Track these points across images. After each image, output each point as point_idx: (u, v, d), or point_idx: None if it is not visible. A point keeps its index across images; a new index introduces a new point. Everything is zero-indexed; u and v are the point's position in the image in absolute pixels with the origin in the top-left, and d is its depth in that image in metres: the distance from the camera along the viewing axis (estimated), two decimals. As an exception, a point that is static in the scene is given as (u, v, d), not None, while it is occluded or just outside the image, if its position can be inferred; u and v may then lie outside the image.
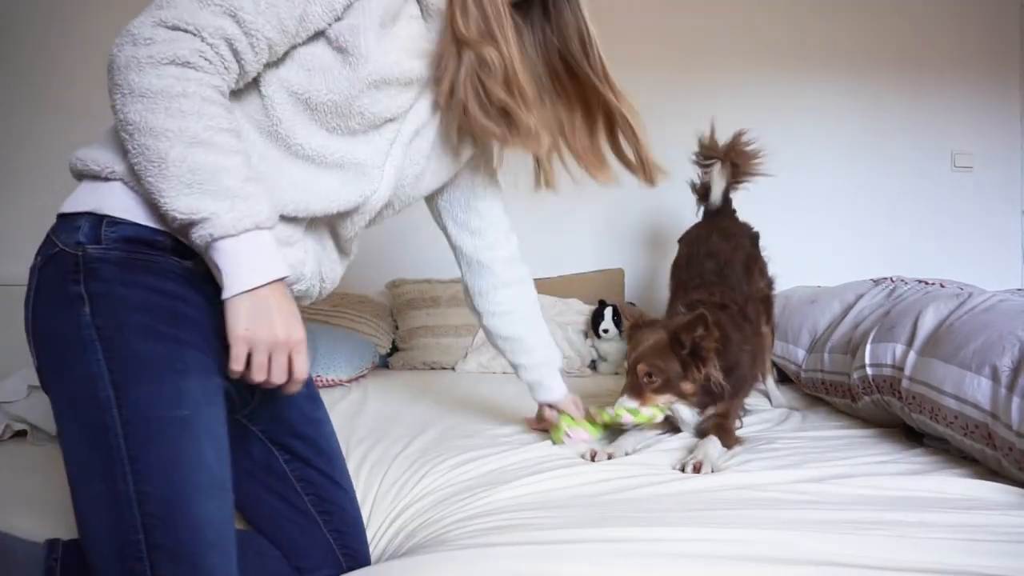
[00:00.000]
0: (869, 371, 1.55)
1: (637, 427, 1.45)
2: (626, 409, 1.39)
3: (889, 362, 1.50)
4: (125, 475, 0.75)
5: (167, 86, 0.73)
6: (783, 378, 2.11)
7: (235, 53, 0.77)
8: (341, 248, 1.00)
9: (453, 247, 1.30)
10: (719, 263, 1.82)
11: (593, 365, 2.56)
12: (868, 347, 1.57)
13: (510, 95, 0.90)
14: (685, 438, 1.48)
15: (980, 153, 3.14)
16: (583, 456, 1.34)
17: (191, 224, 0.75)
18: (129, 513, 0.75)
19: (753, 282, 1.87)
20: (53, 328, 0.81)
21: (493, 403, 1.82)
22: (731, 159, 2.06)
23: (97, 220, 0.80)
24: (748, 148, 2.07)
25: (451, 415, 1.67)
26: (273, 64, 0.83)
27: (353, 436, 1.47)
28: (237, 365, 0.78)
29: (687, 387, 1.42)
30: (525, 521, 1.02)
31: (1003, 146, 3.16)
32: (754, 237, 2.03)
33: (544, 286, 2.76)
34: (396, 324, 2.69)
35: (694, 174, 2.16)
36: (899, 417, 1.50)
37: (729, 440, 1.43)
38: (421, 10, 0.90)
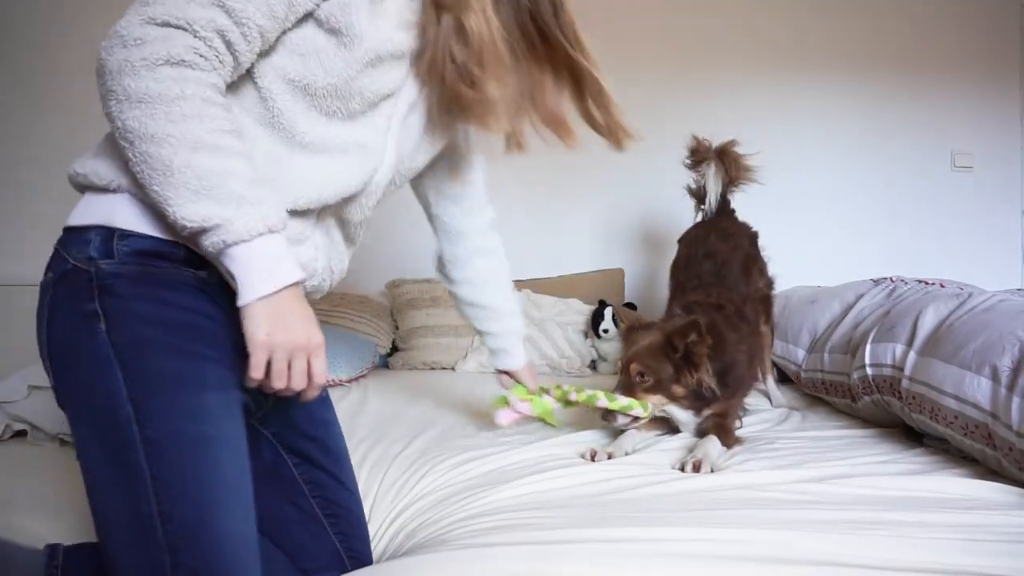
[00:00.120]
0: (869, 371, 1.55)
1: (620, 420, 1.42)
2: (604, 393, 1.39)
3: (889, 362, 1.50)
4: (148, 496, 0.75)
5: (165, 89, 0.70)
6: (783, 378, 2.11)
7: (228, 45, 0.74)
8: (348, 237, 0.99)
9: (431, 216, 1.28)
10: (717, 264, 1.82)
11: (593, 365, 2.56)
12: (868, 347, 1.57)
13: (480, 65, 0.87)
14: (685, 438, 1.48)
15: (980, 153, 3.14)
16: (583, 456, 1.34)
17: (202, 232, 0.73)
18: (153, 533, 0.74)
19: (752, 282, 1.87)
20: (69, 346, 0.79)
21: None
22: (722, 160, 2.06)
23: (108, 233, 0.79)
24: (740, 157, 2.07)
25: (451, 415, 1.67)
26: (265, 54, 0.80)
27: (353, 436, 1.47)
28: (257, 373, 0.76)
29: (678, 390, 1.42)
30: (525, 521, 1.02)
31: (1003, 146, 3.16)
32: (753, 237, 2.03)
33: (544, 286, 2.77)
34: (396, 324, 2.69)
35: (691, 178, 2.16)
36: (899, 417, 1.50)
37: (729, 440, 1.43)
38: None
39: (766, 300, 1.95)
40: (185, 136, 0.71)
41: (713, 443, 1.36)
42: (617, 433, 1.46)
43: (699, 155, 2.10)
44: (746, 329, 1.63)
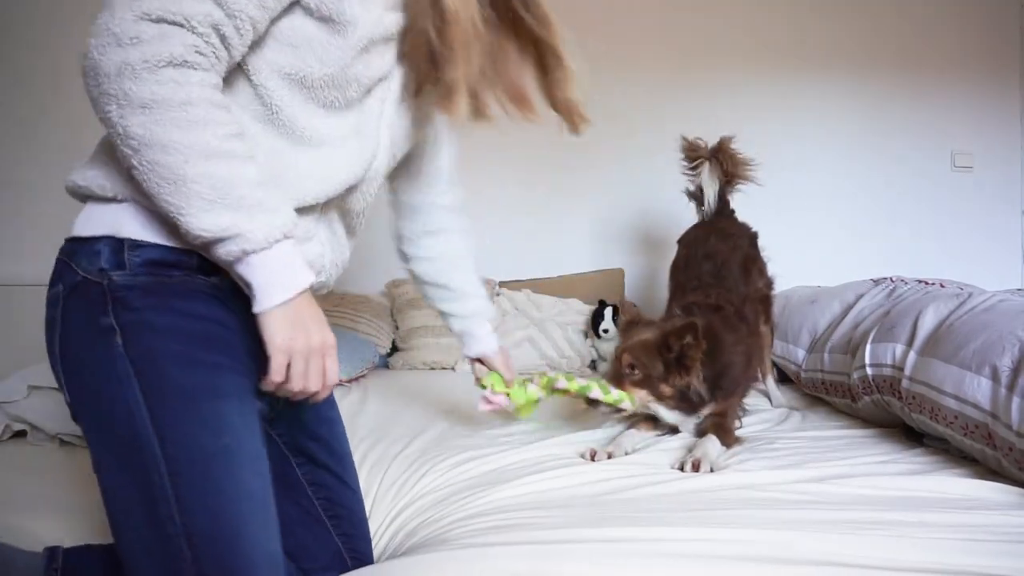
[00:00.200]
0: (869, 371, 1.55)
1: (603, 408, 1.42)
2: (598, 384, 1.38)
3: (889, 362, 1.50)
4: (171, 514, 0.74)
5: (169, 93, 0.67)
6: (783, 378, 2.11)
7: (223, 39, 0.72)
8: (350, 228, 0.98)
9: (392, 191, 1.23)
10: (717, 264, 1.82)
11: (593, 365, 2.56)
12: (868, 347, 1.57)
13: (449, 47, 0.84)
14: (685, 438, 1.48)
15: (980, 153, 3.14)
16: (583, 456, 1.34)
17: (218, 241, 0.72)
18: (178, 552, 0.74)
19: (751, 282, 1.87)
20: (84, 362, 0.78)
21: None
22: (719, 160, 2.06)
23: (118, 244, 0.77)
24: (737, 153, 2.07)
25: (451, 415, 1.67)
26: (255, 48, 0.77)
27: (353, 436, 1.46)
28: (278, 376, 0.77)
29: (665, 389, 1.42)
30: (525, 520, 1.02)
31: (1003, 146, 3.16)
32: (752, 237, 2.03)
33: (544, 286, 2.77)
34: (396, 324, 2.69)
35: (690, 181, 2.16)
36: (899, 417, 1.50)
37: (728, 439, 1.43)
38: None
39: (766, 300, 1.95)
40: (195, 143, 0.69)
41: (712, 442, 1.36)
42: (617, 431, 1.46)
43: (695, 155, 2.09)
44: (744, 330, 1.63)
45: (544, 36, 0.97)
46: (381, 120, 0.90)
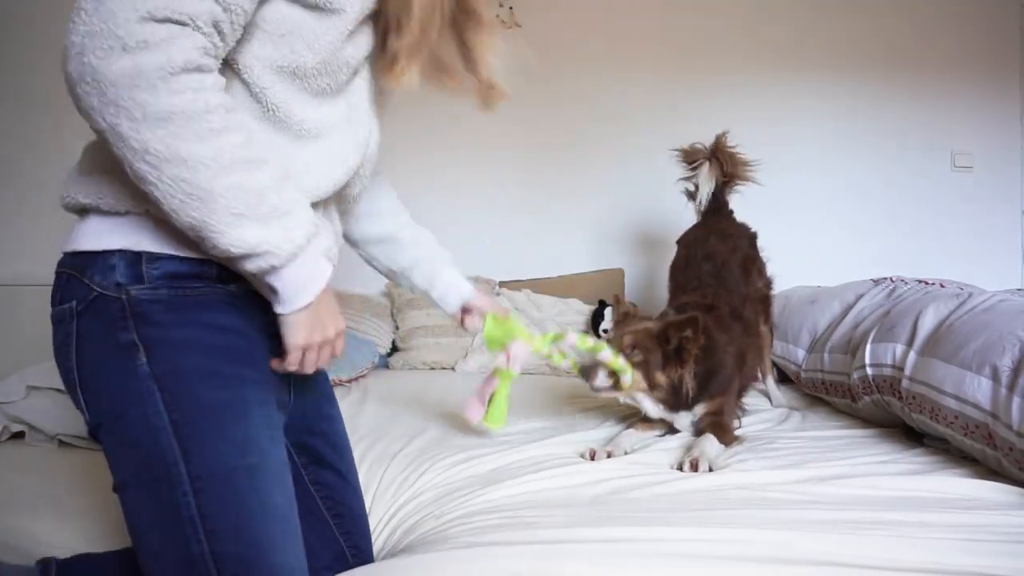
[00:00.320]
0: (869, 371, 1.55)
1: (599, 381, 1.40)
2: (611, 350, 1.37)
3: (889, 362, 1.50)
4: (198, 536, 0.73)
5: (188, 103, 0.64)
6: (783, 378, 2.11)
7: (222, 36, 0.68)
8: (344, 212, 0.96)
9: None
10: (716, 265, 1.82)
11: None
12: (868, 347, 1.57)
13: (409, 14, 0.80)
14: (684, 437, 1.48)
15: (980, 153, 3.14)
16: (582, 456, 1.34)
17: (245, 257, 0.70)
18: (204, 572, 0.73)
19: (751, 283, 1.87)
20: (105, 381, 0.75)
21: (493, 403, 1.81)
22: (718, 159, 2.06)
23: (134, 257, 0.75)
24: (736, 152, 2.07)
25: (451, 415, 1.67)
26: (244, 45, 0.74)
27: (353, 435, 1.46)
28: (292, 368, 0.80)
29: (660, 378, 1.42)
30: (525, 520, 1.02)
31: (1003, 146, 3.16)
32: (752, 237, 2.03)
33: (544, 286, 2.77)
34: (396, 324, 2.69)
35: (691, 183, 2.16)
36: (899, 417, 1.50)
37: (727, 438, 1.43)
38: None
39: (765, 300, 1.95)
40: (219, 155, 0.66)
41: (710, 442, 1.36)
42: (616, 431, 1.45)
43: (693, 157, 2.09)
44: (738, 329, 1.63)
45: (474, 6, 0.92)
46: (367, 99, 0.87)
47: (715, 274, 1.80)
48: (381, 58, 0.84)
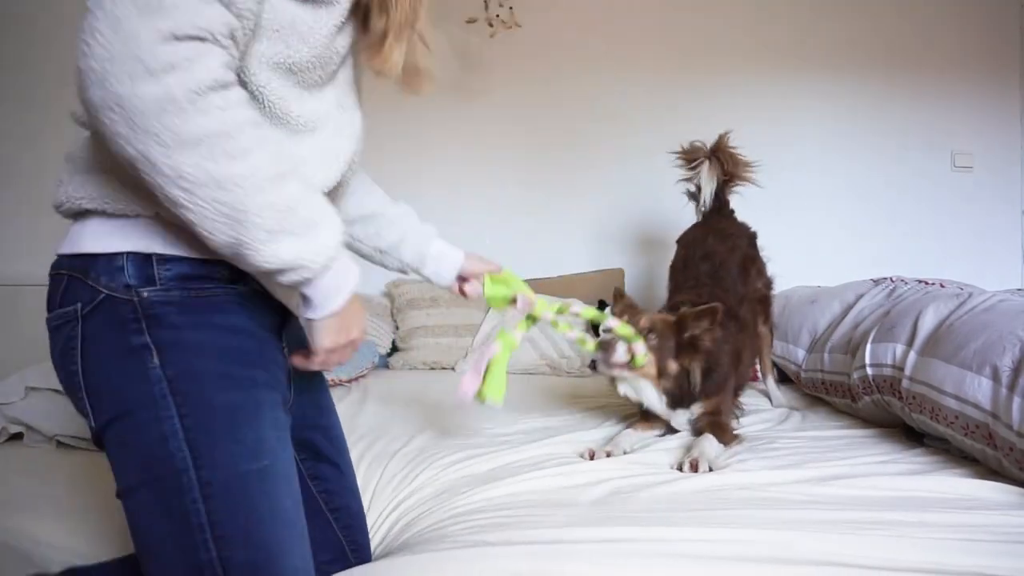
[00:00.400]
0: (869, 371, 1.55)
1: (619, 353, 1.37)
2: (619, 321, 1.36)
3: (889, 362, 1.50)
4: (207, 542, 0.72)
5: (218, 124, 0.62)
6: (783, 378, 2.11)
7: (237, 45, 0.67)
8: (336, 198, 0.93)
9: None
10: (715, 264, 1.82)
11: (593, 365, 2.55)
12: (868, 347, 1.57)
13: None
14: (683, 437, 1.48)
15: (980, 153, 3.14)
16: (582, 455, 1.34)
17: (279, 272, 0.69)
18: None
19: (750, 283, 1.87)
20: (114, 384, 0.74)
21: (493, 403, 1.81)
22: (718, 158, 2.06)
23: (144, 259, 0.74)
24: (737, 152, 2.06)
25: (450, 414, 1.67)
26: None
27: (353, 435, 1.47)
28: (316, 367, 0.80)
29: (671, 365, 1.42)
30: (524, 519, 1.02)
31: (1003, 146, 3.16)
32: (751, 237, 2.02)
33: (544, 286, 2.76)
34: (396, 324, 2.69)
35: (692, 183, 2.15)
36: (899, 417, 1.50)
37: (726, 437, 1.43)
38: None
39: (764, 300, 1.95)
40: (252, 174, 0.65)
41: (709, 441, 1.36)
42: (616, 431, 1.45)
43: (693, 157, 2.09)
44: (734, 328, 1.62)
45: None
46: (351, 87, 0.86)
47: (712, 274, 1.80)
48: (363, 40, 0.81)
